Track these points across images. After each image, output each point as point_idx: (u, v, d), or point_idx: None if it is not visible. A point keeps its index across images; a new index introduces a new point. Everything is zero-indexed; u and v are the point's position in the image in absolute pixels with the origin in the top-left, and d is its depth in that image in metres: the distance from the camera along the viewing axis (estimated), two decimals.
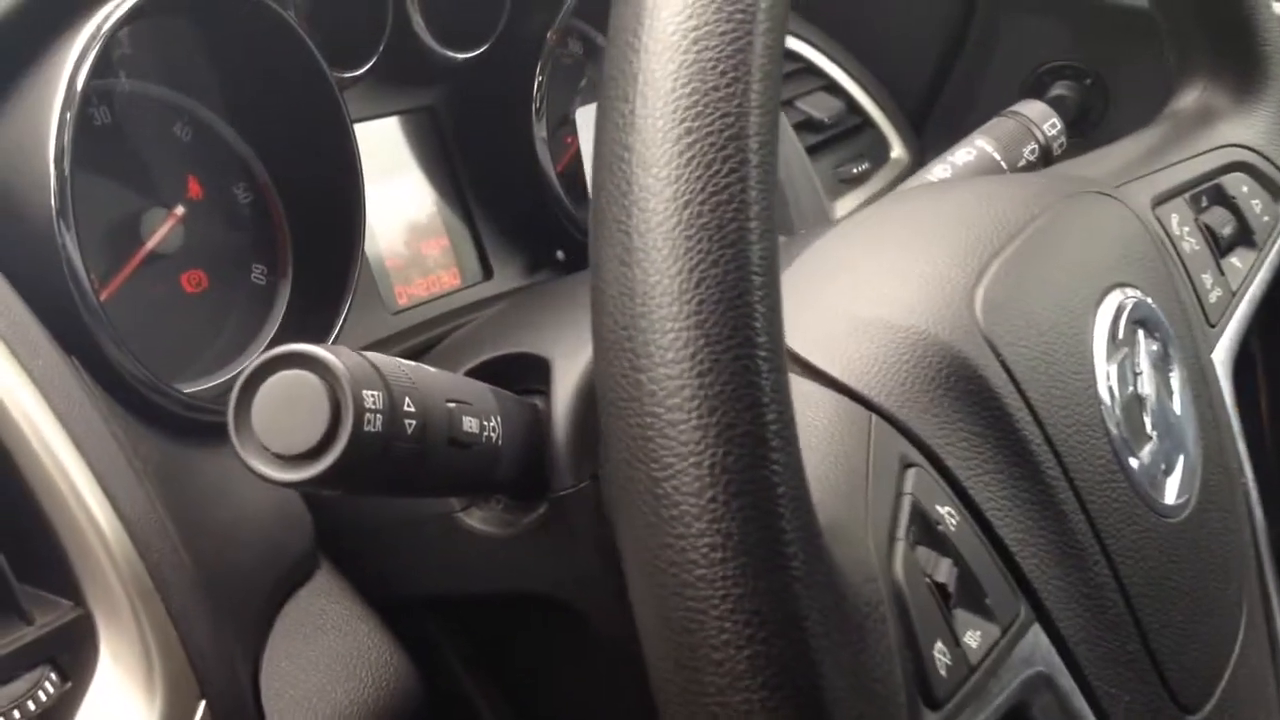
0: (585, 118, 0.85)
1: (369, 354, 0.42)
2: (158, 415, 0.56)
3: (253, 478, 0.55)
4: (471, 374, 0.57)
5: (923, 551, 0.40)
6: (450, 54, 0.76)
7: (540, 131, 0.79)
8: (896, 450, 0.43)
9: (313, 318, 0.68)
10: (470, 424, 0.45)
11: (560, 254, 0.84)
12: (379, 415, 0.40)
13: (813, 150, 1.02)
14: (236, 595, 0.54)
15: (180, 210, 0.64)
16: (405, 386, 0.41)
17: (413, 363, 0.44)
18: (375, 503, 0.60)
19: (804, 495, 0.30)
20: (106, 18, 0.53)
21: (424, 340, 0.73)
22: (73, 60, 0.51)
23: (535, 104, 0.79)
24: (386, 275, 0.76)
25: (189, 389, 0.60)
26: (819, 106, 1.06)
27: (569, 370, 0.55)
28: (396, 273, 0.76)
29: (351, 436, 0.39)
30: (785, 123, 1.02)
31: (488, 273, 0.82)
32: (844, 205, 1.04)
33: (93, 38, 0.52)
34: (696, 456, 0.29)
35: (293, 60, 0.65)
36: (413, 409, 0.41)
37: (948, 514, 0.42)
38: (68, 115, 0.51)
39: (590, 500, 0.53)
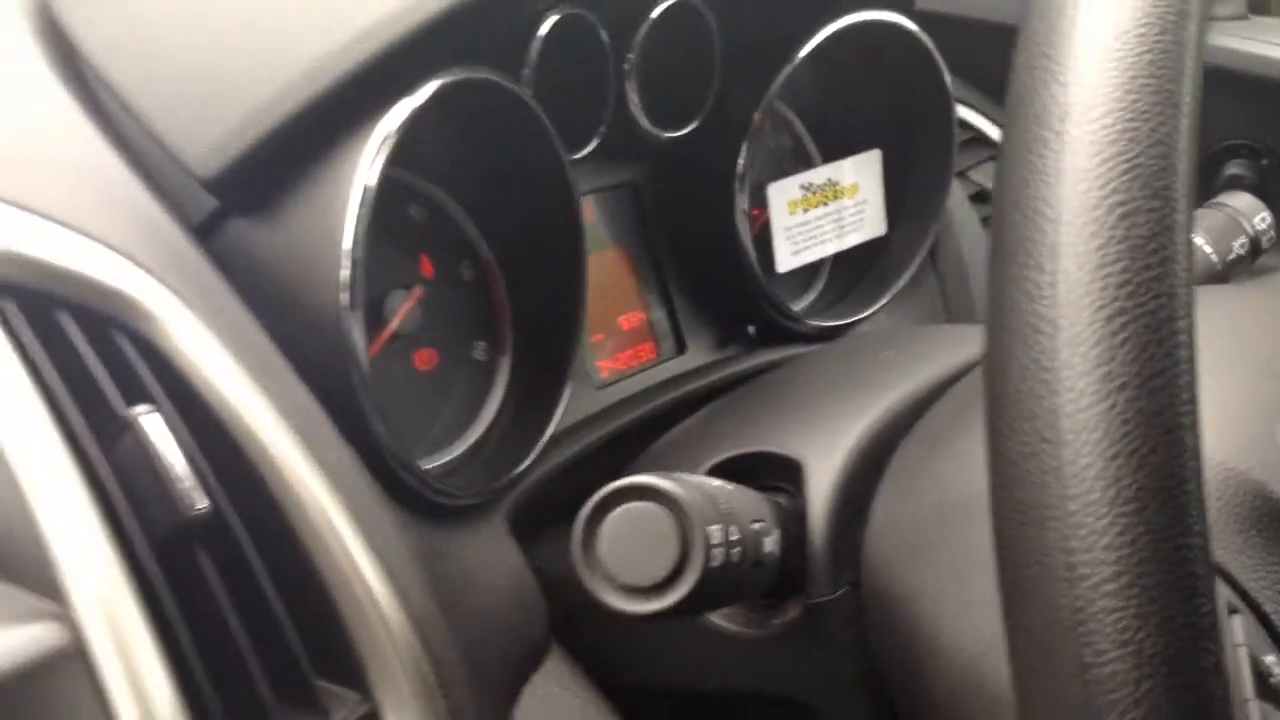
0: (778, 193, 0.86)
1: (694, 479, 0.42)
2: (409, 499, 0.57)
3: (491, 563, 0.56)
4: (715, 471, 0.58)
5: (1266, 708, 0.40)
6: (661, 133, 0.77)
7: (742, 204, 0.79)
8: (1222, 598, 0.42)
9: (532, 394, 0.69)
10: (768, 544, 0.46)
11: (751, 329, 0.84)
12: (719, 549, 0.40)
13: (986, 222, 1.02)
14: (489, 683, 0.55)
15: (419, 290, 0.65)
16: (726, 512, 0.42)
17: (718, 482, 0.45)
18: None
19: (1226, 686, 0.30)
20: (397, 117, 0.54)
21: (631, 419, 0.73)
22: (369, 158, 0.53)
23: (738, 180, 0.79)
24: (589, 349, 0.76)
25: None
26: (991, 177, 1.05)
27: (823, 473, 0.55)
28: (598, 347, 0.77)
29: (702, 572, 0.39)
30: (962, 196, 1.01)
31: (681, 347, 0.82)
32: None
33: (386, 137, 0.53)
34: (1136, 645, 0.29)
35: (526, 140, 0.66)
36: (736, 537, 0.42)
37: (1274, 664, 0.42)
38: (363, 213, 0.52)
39: (847, 609, 0.54)
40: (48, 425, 0.41)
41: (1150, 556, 0.29)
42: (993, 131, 1.10)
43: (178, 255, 0.51)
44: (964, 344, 0.66)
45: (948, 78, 0.87)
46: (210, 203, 0.55)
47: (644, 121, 0.75)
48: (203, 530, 0.44)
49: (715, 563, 0.40)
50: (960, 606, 0.46)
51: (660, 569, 0.40)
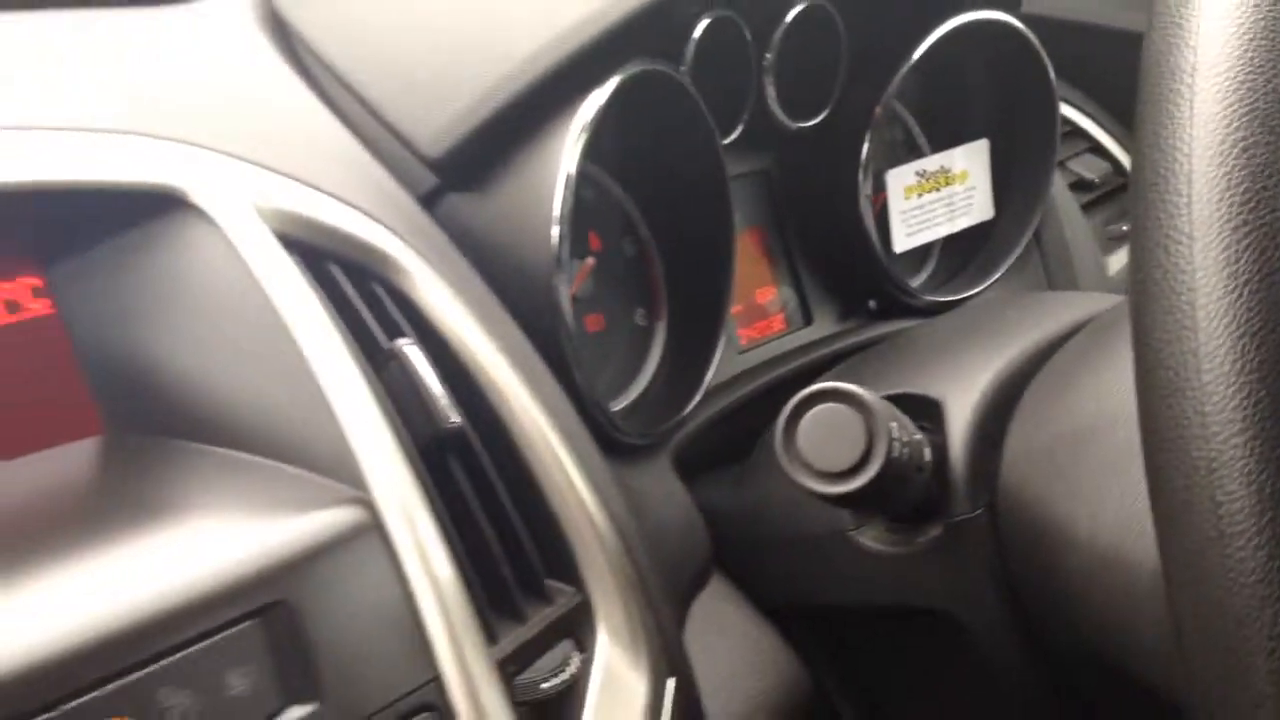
0: (895, 179, 0.94)
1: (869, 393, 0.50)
2: (594, 436, 0.66)
3: (661, 495, 0.65)
4: None
5: None
6: (792, 123, 0.85)
7: (865, 190, 0.87)
8: None
9: (685, 355, 0.78)
10: (926, 454, 0.53)
11: (872, 304, 0.92)
12: (896, 443, 0.48)
13: (1083, 209, 1.09)
14: (669, 591, 0.63)
15: (591, 261, 0.74)
16: (898, 418, 0.50)
17: (885, 401, 0.53)
18: (769, 520, 0.69)
19: None
20: (591, 107, 0.63)
21: (768, 380, 0.81)
22: (571, 144, 0.62)
23: (862, 168, 0.87)
24: (732, 319, 0.84)
25: None
26: (1089, 168, 1.12)
27: (960, 409, 0.63)
28: (738, 317, 0.85)
29: (885, 460, 0.47)
30: (1062, 184, 1.08)
31: (808, 319, 0.90)
32: (1114, 262, 1.10)
33: (584, 127, 0.62)
34: (1259, 484, 0.36)
35: (686, 129, 0.74)
36: (906, 439, 0.50)
37: None
38: (567, 194, 0.61)
39: (984, 526, 0.61)
40: (343, 351, 0.50)
41: (1270, 414, 0.36)
42: (1087, 125, 1.16)
43: (414, 221, 0.60)
44: (1077, 306, 0.73)
45: (1052, 73, 0.94)
46: (430, 179, 0.64)
47: (779, 113, 0.84)
48: (453, 442, 0.53)
49: (894, 453, 0.48)
50: (1093, 506, 0.53)
51: (850, 457, 0.48)
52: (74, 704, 0.37)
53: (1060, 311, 0.71)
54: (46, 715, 0.37)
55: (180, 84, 0.60)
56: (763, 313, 0.88)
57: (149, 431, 0.51)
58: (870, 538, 0.64)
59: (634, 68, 0.66)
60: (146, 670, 0.39)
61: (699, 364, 0.76)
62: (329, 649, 0.43)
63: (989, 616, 0.62)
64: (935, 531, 0.62)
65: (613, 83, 0.64)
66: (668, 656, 0.57)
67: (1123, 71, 1.21)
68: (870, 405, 0.48)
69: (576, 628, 0.55)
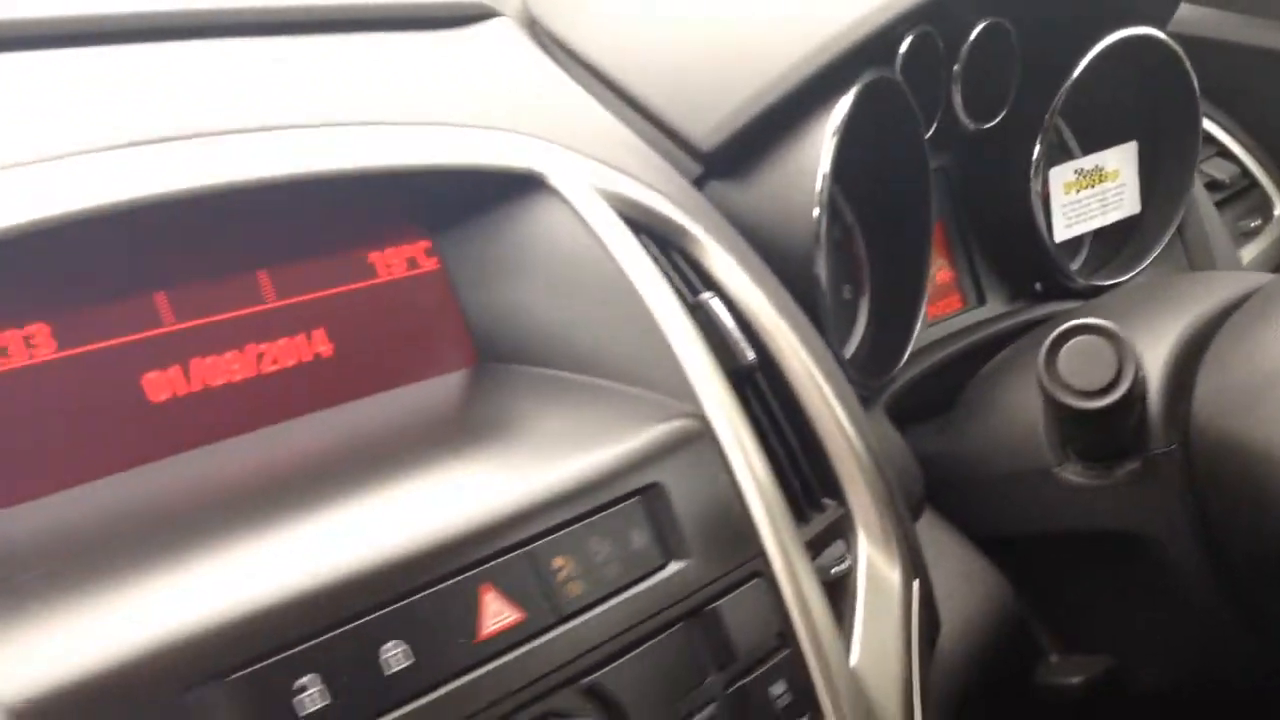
0: (1057, 176, 1.04)
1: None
2: None
3: (881, 437, 0.75)
4: None
5: None
6: (974, 125, 0.96)
7: (1036, 187, 0.98)
8: None
9: (888, 327, 0.89)
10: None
11: (1038, 286, 1.02)
12: (1138, 369, 0.59)
13: (1219, 206, 1.18)
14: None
15: None
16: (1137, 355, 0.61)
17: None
18: (974, 461, 0.79)
19: None
20: (842, 108, 0.74)
21: (957, 348, 0.92)
22: (828, 140, 0.73)
23: (1034, 167, 0.97)
24: None
25: None
26: (1219, 170, 1.21)
27: (1155, 356, 0.73)
28: None
29: (1133, 381, 0.58)
30: (1198, 182, 1.18)
31: (981, 299, 1.01)
32: (1246, 254, 1.19)
33: (837, 127, 0.74)
34: None
35: (898, 126, 0.85)
36: (1141, 372, 0.60)
37: None
38: (824, 184, 0.73)
39: (1179, 458, 0.71)
40: (672, 300, 0.61)
41: None
42: (1215, 130, 1.26)
43: (698, 202, 0.72)
44: (1240, 280, 0.83)
45: (1196, 81, 1.05)
46: (696, 169, 0.76)
47: (963, 116, 0.95)
48: (748, 375, 0.64)
49: (1137, 377, 0.58)
50: None
51: (1104, 378, 0.59)
52: (542, 541, 0.49)
53: (1228, 283, 0.81)
54: (515, 552, 0.48)
55: (508, 89, 0.73)
56: (943, 292, 0.99)
57: (514, 361, 0.63)
58: (1072, 473, 0.75)
59: (871, 74, 0.78)
60: (582, 523, 0.50)
61: (902, 334, 0.87)
62: (689, 522, 0.54)
63: (1183, 539, 0.72)
64: (1133, 465, 0.73)
65: (858, 86, 0.75)
66: (914, 561, 0.68)
67: (1252, 83, 1.31)
68: (1121, 337, 0.59)
69: (841, 534, 0.66)
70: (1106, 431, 0.66)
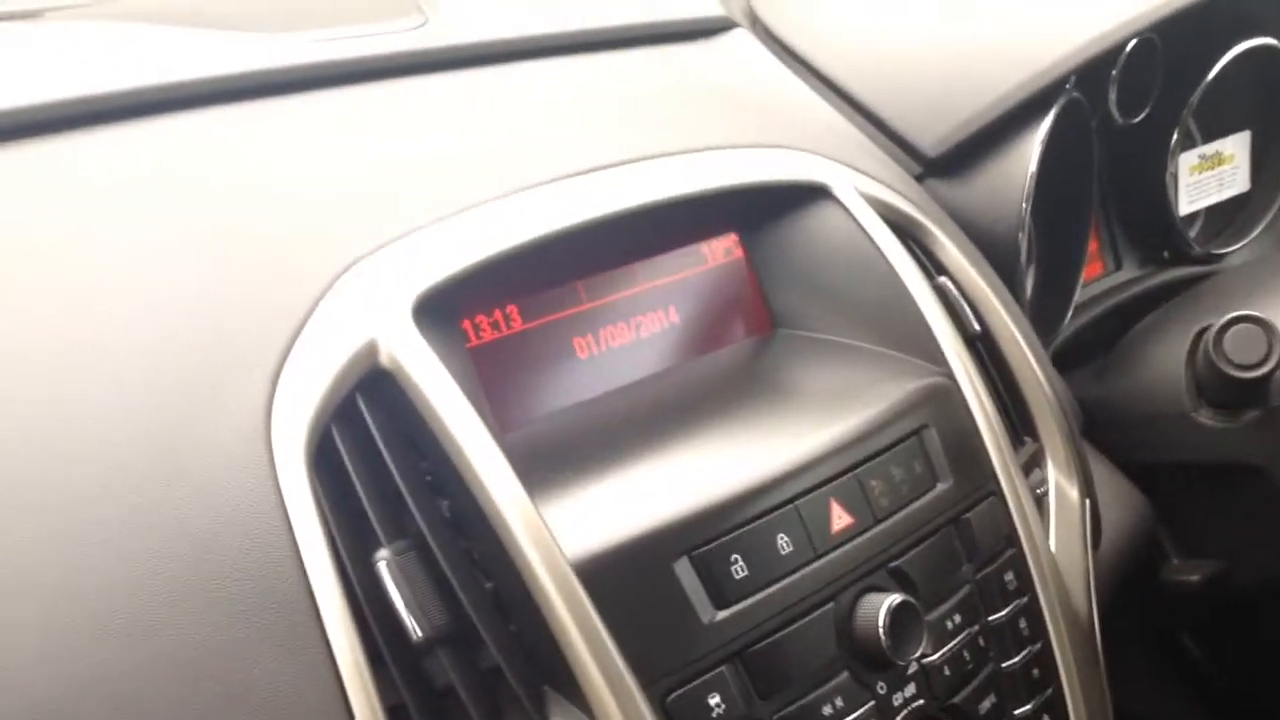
0: (1185, 160, 1.21)
1: None
2: None
3: (1059, 380, 0.93)
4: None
5: None
6: (1122, 119, 1.12)
7: (1172, 169, 1.14)
8: None
9: (1051, 290, 1.06)
10: None
11: (1165, 253, 1.19)
12: None
13: None
14: None
15: None
16: None
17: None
18: (1125, 403, 0.98)
19: None
20: (1048, 120, 0.92)
21: (1109, 305, 1.10)
22: (1036, 150, 0.90)
23: (1170, 154, 1.14)
24: None
25: None
26: None
27: None
28: None
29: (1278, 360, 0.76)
30: None
31: (1119, 265, 1.18)
32: None
33: (1044, 137, 0.91)
34: None
35: (1077, 129, 1.01)
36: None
37: None
38: (1030, 186, 0.90)
39: None
40: (922, 281, 0.79)
41: None
42: None
43: (925, 199, 0.90)
44: None
45: None
46: (916, 168, 0.94)
47: (1116, 113, 1.11)
48: (973, 342, 0.83)
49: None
50: None
51: (1259, 355, 0.78)
52: (864, 466, 0.68)
53: None
54: (848, 475, 0.67)
55: (774, 104, 0.91)
56: (1089, 260, 1.16)
57: (801, 329, 0.82)
58: (1205, 417, 0.93)
59: (1068, 94, 0.94)
60: (887, 453, 0.69)
61: (1064, 297, 1.05)
62: (947, 454, 0.73)
63: None
64: (1256, 413, 0.91)
65: (1061, 102, 0.93)
66: (1087, 484, 0.87)
67: None
68: (1273, 326, 0.78)
69: (1038, 464, 0.85)
70: (1241, 388, 0.84)
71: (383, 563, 0.54)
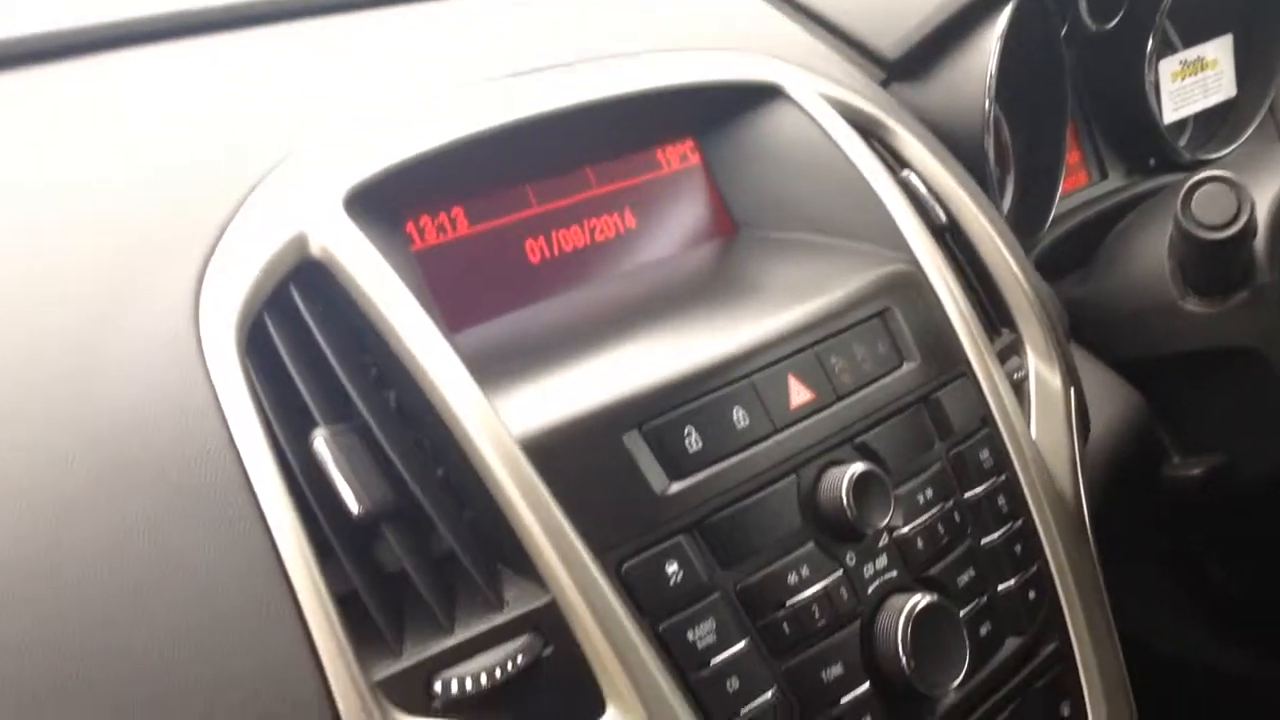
0: (1165, 66, 1.18)
1: None
2: None
3: (1042, 282, 0.90)
4: None
5: None
6: (1095, 26, 1.10)
7: (1150, 76, 1.11)
8: None
9: (1031, 199, 1.04)
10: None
11: (1152, 161, 1.16)
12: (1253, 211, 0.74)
13: None
14: None
15: None
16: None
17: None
18: (1111, 301, 0.95)
19: None
20: (1004, 18, 0.89)
21: (1089, 214, 1.07)
22: (994, 45, 0.88)
23: (1146, 60, 1.11)
24: None
25: None
26: None
27: (1264, 197, 0.87)
28: None
29: (1248, 219, 0.73)
30: None
31: (1103, 174, 1.15)
32: None
33: (1002, 33, 0.89)
34: None
35: (1039, 28, 0.99)
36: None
37: None
38: (990, 83, 0.88)
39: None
40: (885, 175, 0.77)
41: None
42: None
43: (888, 100, 0.88)
44: None
45: None
46: (879, 74, 0.92)
47: (1087, 19, 1.08)
48: (940, 233, 0.80)
49: (1252, 215, 0.74)
50: None
51: (1226, 215, 0.74)
52: (823, 344, 0.66)
53: None
54: (806, 351, 0.65)
55: (732, 13, 0.89)
56: (1071, 170, 1.14)
57: (765, 229, 0.80)
58: (1193, 304, 0.90)
59: None
60: (847, 332, 0.67)
61: (1043, 205, 1.02)
62: (913, 336, 0.71)
63: None
64: (1242, 295, 0.88)
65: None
66: (1070, 374, 0.84)
67: None
68: (1240, 184, 0.75)
69: (1016, 353, 0.83)
70: (1224, 265, 0.81)
71: (320, 439, 0.53)
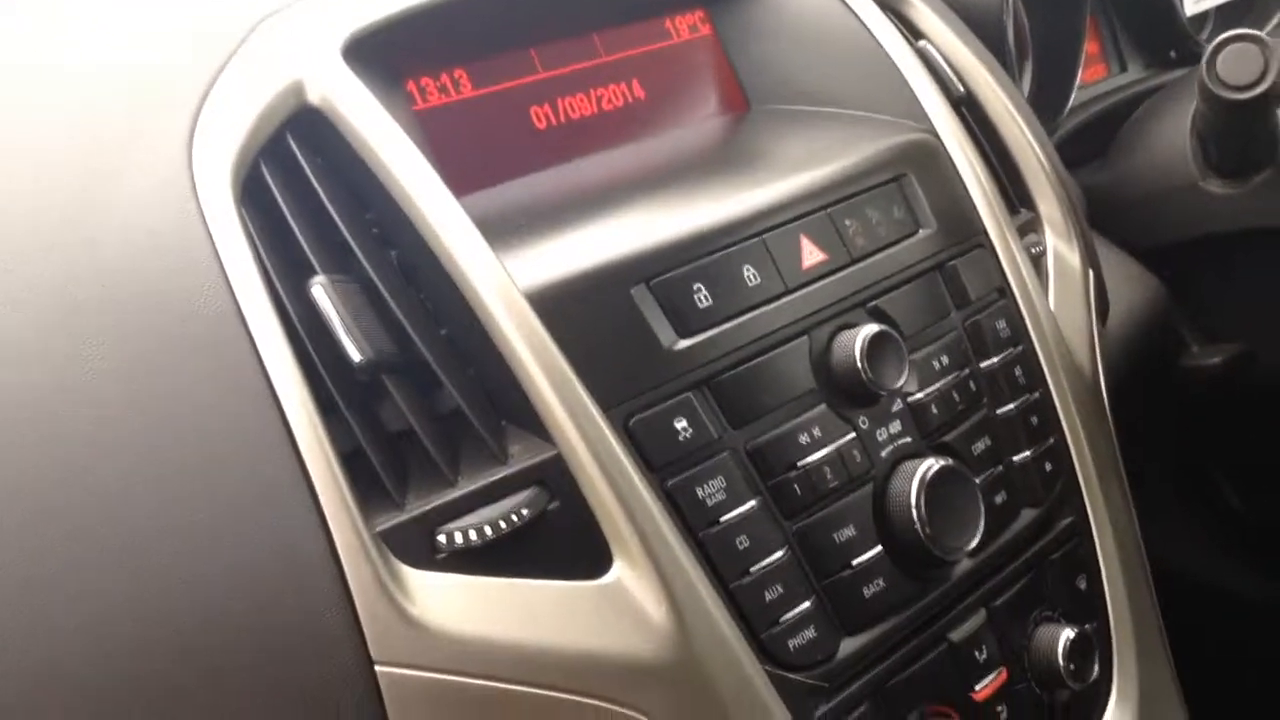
0: None
1: None
2: None
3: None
4: None
5: None
6: None
7: None
8: None
9: (1050, 88, 1.00)
10: None
11: (1173, 53, 1.12)
12: None
13: None
14: None
15: None
16: None
17: None
18: (1133, 184, 0.92)
19: None
20: None
21: (1107, 104, 1.03)
22: None
23: None
24: None
25: None
26: None
27: None
28: None
29: (1276, 75, 0.70)
30: None
31: (1123, 67, 1.12)
32: None
33: None
34: None
35: None
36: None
37: None
38: None
39: None
40: (903, 45, 0.74)
41: None
42: None
43: None
44: None
45: None
46: None
47: None
48: (958, 105, 0.77)
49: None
50: None
51: (1254, 73, 0.71)
52: (836, 206, 0.63)
53: None
54: (820, 213, 0.63)
55: None
56: (1090, 62, 1.10)
57: (780, 103, 0.77)
58: (1215, 185, 0.87)
59: None
60: (861, 195, 0.65)
61: (1062, 92, 0.99)
62: (931, 204, 0.68)
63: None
64: (1266, 174, 0.85)
65: None
66: (1089, 254, 0.82)
67: None
68: (1267, 41, 0.71)
69: (1035, 230, 0.80)
70: (1248, 137, 0.78)
71: (318, 285, 0.51)
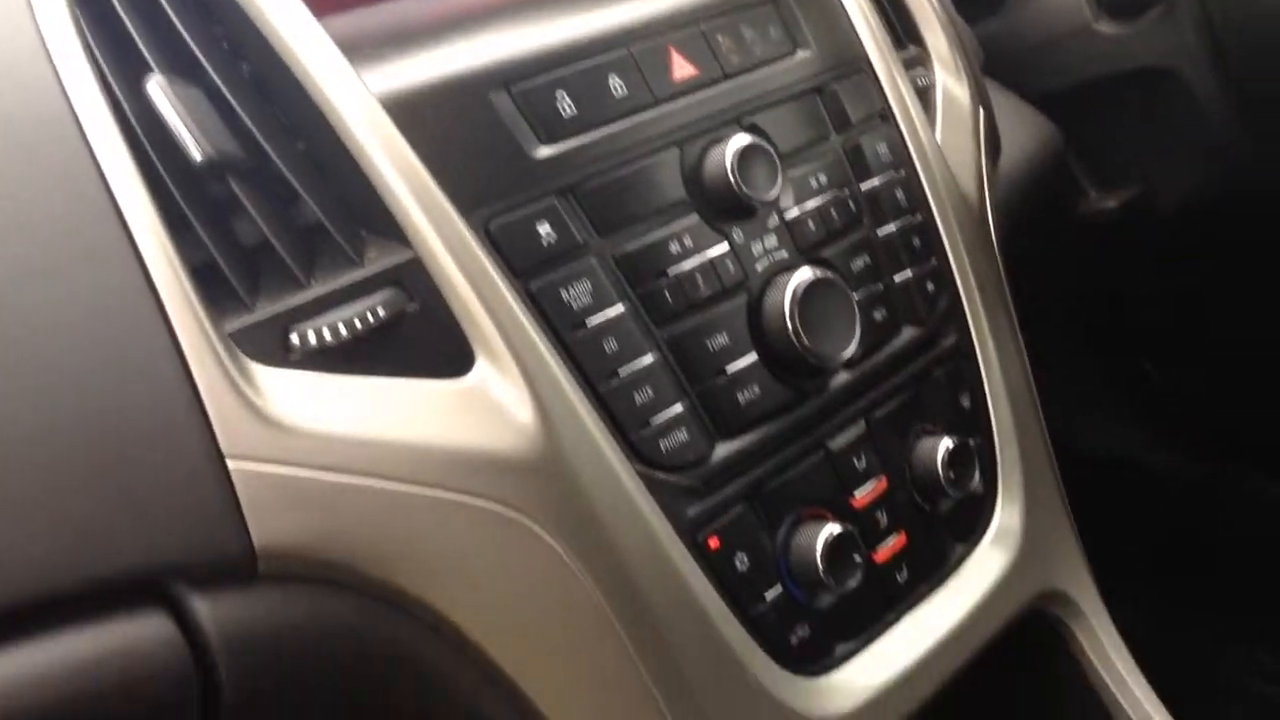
0: None
1: None
2: None
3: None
4: None
5: None
6: None
7: None
8: None
9: None
10: None
11: None
12: None
13: None
14: None
15: None
16: None
17: None
18: (1026, 28, 0.91)
19: None
20: None
21: None
22: None
23: None
24: None
25: None
26: None
27: None
28: None
29: None
30: None
31: None
32: None
33: None
34: None
35: None
36: None
37: None
38: None
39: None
40: None
41: None
42: None
43: None
44: None
45: None
46: None
47: None
48: None
49: None
50: None
51: None
52: (709, 21, 0.62)
53: None
54: (690, 27, 0.61)
55: None
56: None
57: None
58: (1106, 26, 0.86)
59: None
60: (736, 12, 0.63)
61: None
62: (810, 27, 0.67)
63: (1202, 69, 0.84)
64: (1156, 10, 0.84)
65: None
66: (979, 92, 0.81)
67: None
68: None
69: (922, 64, 0.79)
70: None
71: (154, 82, 0.49)
